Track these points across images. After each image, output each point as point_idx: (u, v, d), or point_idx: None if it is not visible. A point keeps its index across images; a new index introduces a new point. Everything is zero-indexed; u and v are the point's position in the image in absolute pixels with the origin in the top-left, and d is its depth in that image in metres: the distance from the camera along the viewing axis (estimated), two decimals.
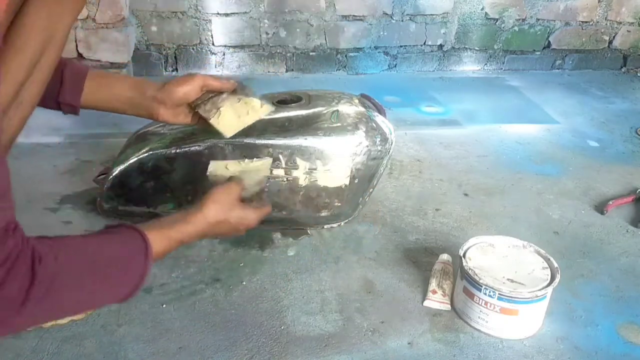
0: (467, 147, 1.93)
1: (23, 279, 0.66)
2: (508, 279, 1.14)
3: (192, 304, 1.18)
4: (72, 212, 1.44)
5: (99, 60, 2.08)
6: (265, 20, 2.37)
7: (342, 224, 1.46)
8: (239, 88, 1.17)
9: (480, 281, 1.12)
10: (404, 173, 1.74)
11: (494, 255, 1.21)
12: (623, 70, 2.86)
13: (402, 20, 2.50)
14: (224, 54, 2.40)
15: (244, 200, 1.06)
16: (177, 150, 1.34)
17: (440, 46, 2.61)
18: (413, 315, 1.20)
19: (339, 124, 1.36)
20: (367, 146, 1.37)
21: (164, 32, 2.30)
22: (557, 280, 1.15)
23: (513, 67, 2.72)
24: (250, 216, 1.04)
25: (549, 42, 2.71)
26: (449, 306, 1.21)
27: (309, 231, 1.43)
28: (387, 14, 2.47)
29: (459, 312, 1.20)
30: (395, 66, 2.60)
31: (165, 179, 1.36)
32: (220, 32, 2.35)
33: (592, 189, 1.73)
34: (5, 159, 0.67)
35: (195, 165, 1.31)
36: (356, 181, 1.39)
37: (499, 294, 1.11)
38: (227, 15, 2.32)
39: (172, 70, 2.38)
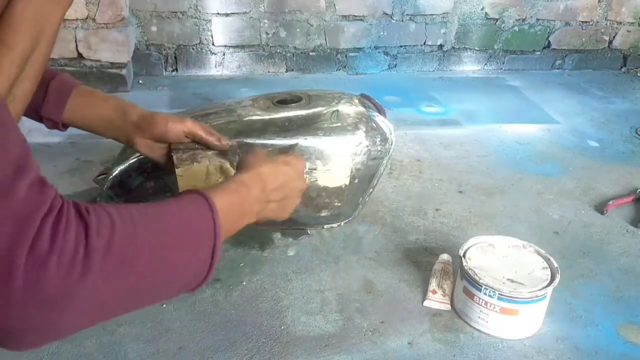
0: (467, 147, 1.93)
1: (78, 232, 0.51)
2: (508, 279, 1.14)
3: (192, 304, 1.18)
4: None
5: (98, 60, 2.08)
6: (265, 20, 2.37)
7: (342, 224, 1.46)
8: (230, 152, 1.08)
9: (480, 281, 1.12)
10: (404, 173, 1.74)
11: (494, 255, 1.21)
12: (623, 70, 2.85)
13: (402, 20, 2.50)
14: (223, 54, 2.40)
15: None
16: None
17: (440, 46, 2.61)
18: (413, 315, 1.20)
19: (339, 124, 1.36)
20: (367, 146, 1.37)
21: (164, 32, 2.30)
22: (557, 280, 1.15)
23: (513, 67, 2.72)
24: (290, 158, 0.93)
25: (549, 42, 2.71)
26: (449, 306, 1.21)
27: (309, 231, 1.43)
28: (387, 14, 2.47)
29: (459, 312, 1.20)
30: (395, 66, 2.60)
31: (165, 179, 1.36)
32: (220, 32, 2.35)
33: (592, 189, 1.73)
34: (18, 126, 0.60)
35: None
36: (356, 181, 1.39)
37: (499, 294, 1.11)
38: (227, 15, 2.32)
39: (172, 70, 2.38)
